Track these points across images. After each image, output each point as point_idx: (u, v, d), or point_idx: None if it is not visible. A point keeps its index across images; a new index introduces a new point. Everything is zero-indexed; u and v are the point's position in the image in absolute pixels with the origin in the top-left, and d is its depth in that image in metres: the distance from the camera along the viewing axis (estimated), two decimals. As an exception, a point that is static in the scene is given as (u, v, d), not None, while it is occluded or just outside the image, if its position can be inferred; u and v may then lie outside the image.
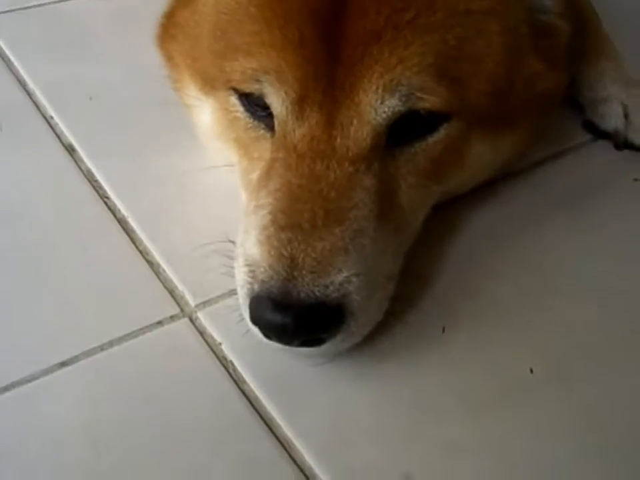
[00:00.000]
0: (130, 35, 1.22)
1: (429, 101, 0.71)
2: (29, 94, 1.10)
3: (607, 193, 1.02)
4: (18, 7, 1.28)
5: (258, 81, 0.72)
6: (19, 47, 1.19)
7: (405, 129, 0.73)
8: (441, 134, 0.75)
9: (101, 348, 0.77)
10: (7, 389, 0.74)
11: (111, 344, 0.77)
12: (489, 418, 0.73)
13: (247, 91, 0.74)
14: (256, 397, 0.73)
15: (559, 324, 0.82)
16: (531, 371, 0.77)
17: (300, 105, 0.71)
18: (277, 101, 0.71)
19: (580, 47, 1.10)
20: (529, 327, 0.82)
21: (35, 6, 1.29)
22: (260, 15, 0.72)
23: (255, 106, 0.76)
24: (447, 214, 0.88)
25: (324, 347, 0.70)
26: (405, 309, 0.79)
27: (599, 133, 1.08)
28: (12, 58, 1.17)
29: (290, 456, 0.69)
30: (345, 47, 0.69)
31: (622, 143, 1.07)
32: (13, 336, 0.79)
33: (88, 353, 0.76)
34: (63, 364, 0.76)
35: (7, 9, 1.28)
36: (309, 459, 0.69)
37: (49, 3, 1.30)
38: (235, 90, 0.76)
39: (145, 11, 1.25)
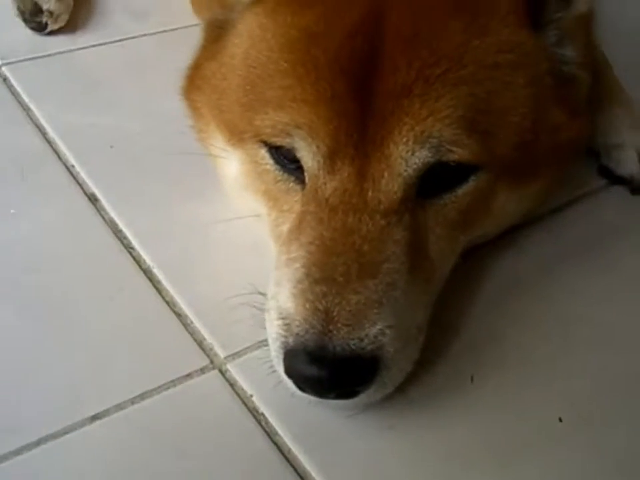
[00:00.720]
0: (145, 81, 1.26)
1: (459, 153, 0.73)
2: (50, 142, 1.12)
3: (624, 238, 1.04)
4: (37, 54, 1.31)
5: (289, 134, 0.74)
6: (38, 94, 1.22)
7: (434, 180, 0.75)
8: (469, 185, 0.77)
9: (132, 401, 0.78)
10: (37, 443, 0.75)
11: (142, 397, 0.78)
12: (518, 467, 0.74)
13: (278, 144, 0.76)
14: (289, 449, 0.75)
15: (584, 371, 0.84)
16: (560, 419, 0.78)
17: (331, 158, 0.73)
18: (308, 155, 0.73)
19: (593, 94, 1.13)
20: (555, 374, 0.83)
21: (53, 54, 1.31)
22: (291, 69, 0.74)
23: (285, 159, 0.78)
24: (471, 261, 0.90)
25: (357, 399, 0.71)
26: (433, 359, 0.81)
27: (614, 178, 1.11)
28: (31, 106, 1.19)
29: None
30: (376, 101, 0.71)
31: (637, 188, 1.09)
32: (42, 389, 0.80)
33: (119, 407, 0.78)
34: (95, 417, 0.77)
35: (26, 57, 1.30)
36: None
37: (67, 51, 1.33)
38: (265, 143, 0.78)
39: (158, 58, 1.31)
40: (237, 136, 0.83)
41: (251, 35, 0.80)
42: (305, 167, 0.75)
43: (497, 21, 0.77)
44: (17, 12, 1.34)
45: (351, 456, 0.74)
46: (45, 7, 1.32)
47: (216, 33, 0.87)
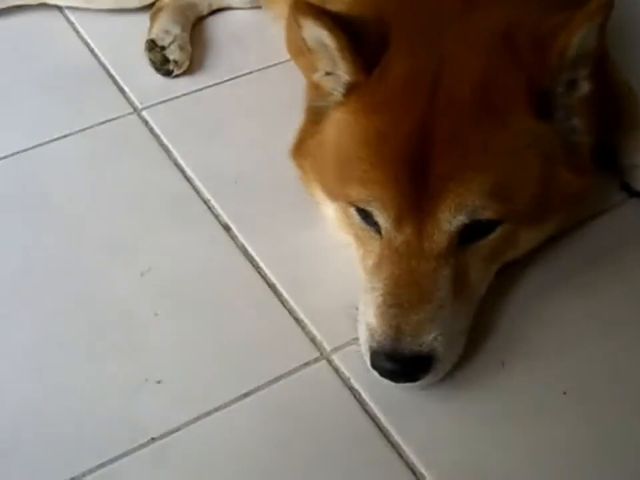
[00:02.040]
0: (256, 120, 1.65)
1: (487, 214, 1.11)
2: (188, 180, 1.53)
3: (638, 244, 1.40)
4: (167, 97, 1.72)
5: (369, 204, 1.14)
6: (174, 135, 1.62)
7: (472, 232, 1.14)
8: (496, 233, 1.15)
9: (270, 383, 1.20)
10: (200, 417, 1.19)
11: (275, 380, 1.20)
12: (531, 428, 1.15)
13: (362, 207, 1.17)
14: (375, 415, 1.16)
15: (590, 357, 1.22)
16: (564, 393, 1.18)
17: (398, 221, 1.12)
18: (382, 220, 1.13)
19: (617, 118, 1.49)
20: (565, 359, 1.21)
21: (180, 96, 1.71)
22: (367, 158, 1.13)
23: (366, 216, 1.18)
24: (503, 275, 1.27)
25: (419, 382, 1.13)
26: (474, 352, 1.21)
27: (633, 193, 1.47)
28: (170, 147, 1.61)
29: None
30: (428, 182, 1.09)
31: (653, 202, 1.45)
32: (204, 370, 1.22)
33: (259, 387, 1.20)
34: (243, 396, 1.20)
35: (159, 100, 1.72)
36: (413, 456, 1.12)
37: (190, 92, 1.72)
38: (352, 204, 1.19)
39: (264, 94, 1.71)
40: (332, 196, 1.23)
41: (339, 126, 1.18)
42: (381, 226, 1.14)
43: (513, 115, 1.11)
44: (149, 62, 1.76)
45: (421, 416, 1.15)
46: (171, 57, 1.73)
47: (315, 117, 1.24)
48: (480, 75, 1.11)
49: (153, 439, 1.15)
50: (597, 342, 1.24)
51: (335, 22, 1.11)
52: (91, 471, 1.12)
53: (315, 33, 1.14)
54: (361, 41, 1.14)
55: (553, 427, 1.14)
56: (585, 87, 1.19)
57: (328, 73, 1.20)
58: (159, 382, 1.21)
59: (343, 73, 1.16)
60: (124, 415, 1.18)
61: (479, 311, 1.23)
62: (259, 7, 1.91)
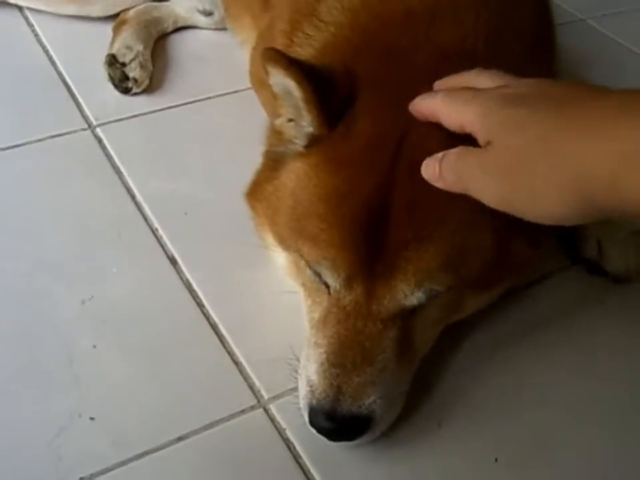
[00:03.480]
0: (214, 147, 1.65)
1: (439, 287, 1.13)
2: (138, 205, 1.53)
3: (579, 310, 1.44)
4: (123, 116, 1.71)
5: (319, 263, 1.13)
6: (127, 157, 1.62)
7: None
8: (445, 297, 1.17)
9: (204, 428, 1.20)
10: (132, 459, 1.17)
11: (208, 427, 1.20)
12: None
13: (312, 265, 1.17)
14: (309, 469, 1.18)
15: (522, 422, 1.24)
16: (496, 460, 1.20)
17: (348, 282, 1.12)
18: (332, 279, 1.13)
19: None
20: (499, 422, 1.24)
21: (137, 115, 1.71)
22: (325, 217, 1.12)
23: (316, 270, 1.19)
24: (446, 334, 1.28)
25: (356, 441, 1.14)
26: (413, 411, 1.23)
27: (575, 260, 1.50)
28: (122, 168, 1.59)
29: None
30: (384, 248, 1.09)
31: (594, 269, 1.48)
32: (136, 413, 1.20)
33: (196, 431, 1.20)
34: (178, 439, 1.20)
35: (115, 117, 1.71)
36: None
37: (148, 112, 1.72)
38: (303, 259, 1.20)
39: (225, 122, 1.71)
40: (283, 244, 1.23)
41: (298, 178, 1.18)
42: (330, 285, 1.15)
43: None
44: (108, 77, 1.75)
45: (353, 473, 1.16)
46: (131, 75, 1.72)
47: (273, 162, 1.24)
48: (445, 144, 1.11)
49: (82, 479, 1.14)
50: (533, 408, 1.27)
51: (304, 74, 1.12)
52: (13, 511, 1.10)
53: (282, 81, 1.14)
54: (328, 93, 1.14)
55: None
56: None
57: (290, 120, 1.20)
58: (92, 418, 1.20)
59: (307, 125, 1.16)
60: (53, 450, 1.16)
61: (420, 368, 1.25)
62: (225, 29, 1.90)
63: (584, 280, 1.48)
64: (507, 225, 1.17)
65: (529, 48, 1.33)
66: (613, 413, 1.27)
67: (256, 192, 1.29)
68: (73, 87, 1.77)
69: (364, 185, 1.12)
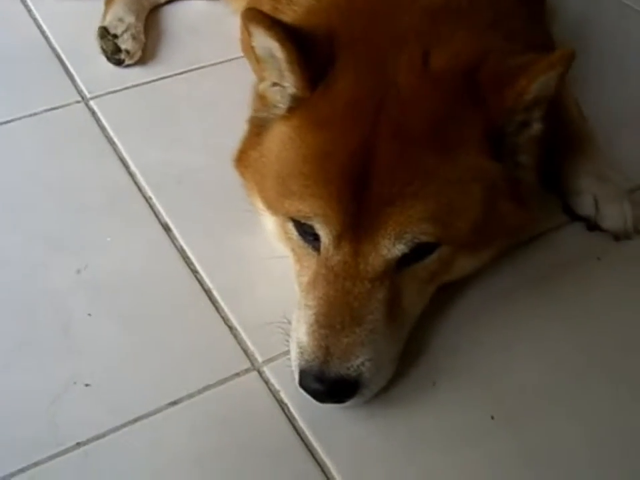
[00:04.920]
0: (207, 115, 1.66)
1: (425, 237, 1.13)
2: (132, 175, 1.54)
3: (576, 267, 1.43)
4: (117, 88, 1.72)
5: (310, 218, 1.15)
6: (120, 128, 1.63)
7: (409, 255, 1.15)
8: (434, 256, 1.17)
9: (199, 391, 1.22)
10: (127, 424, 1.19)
11: (205, 389, 1.22)
12: (461, 451, 1.17)
13: (302, 222, 1.17)
14: (302, 430, 1.18)
15: (516, 380, 1.25)
16: (492, 417, 1.21)
17: (338, 239, 1.13)
18: (324, 234, 1.14)
19: (563, 144, 1.52)
20: (492, 380, 1.24)
21: (130, 86, 1.72)
22: (309, 173, 1.14)
23: (305, 232, 1.19)
24: (439, 295, 1.29)
25: (345, 404, 1.15)
26: (406, 371, 1.24)
27: (575, 216, 1.50)
28: (115, 140, 1.60)
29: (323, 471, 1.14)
30: (369, 204, 1.10)
31: (593, 226, 1.48)
32: (132, 378, 1.22)
33: (191, 395, 1.22)
34: (173, 403, 1.21)
35: (108, 90, 1.71)
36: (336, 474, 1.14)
37: (141, 84, 1.73)
38: (291, 218, 1.20)
39: (217, 90, 1.71)
40: (272, 209, 1.24)
41: (282, 141, 1.19)
42: (322, 241, 1.15)
43: (460, 149, 1.13)
44: (100, 50, 1.75)
45: (348, 433, 1.17)
46: (123, 47, 1.73)
47: (258, 128, 1.25)
48: (432, 106, 1.13)
49: (78, 444, 1.16)
50: (526, 366, 1.28)
51: (286, 34, 1.12)
52: (12, 475, 1.12)
53: (264, 42, 1.15)
54: (310, 54, 1.15)
55: (478, 452, 1.17)
56: (536, 127, 1.22)
57: (274, 84, 1.20)
58: (87, 385, 1.22)
59: (290, 86, 1.17)
60: (50, 417, 1.19)
61: (414, 328, 1.25)
62: (217, -1, 1.90)
63: (582, 237, 1.48)
64: (494, 186, 1.17)
65: (517, 5, 1.32)
66: (607, 368, 1.27)
67: (243, 158, 1.29)
68: (66, 61, 1.78)
69: (347, 144, 1.12)
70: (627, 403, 1.23)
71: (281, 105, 1.21)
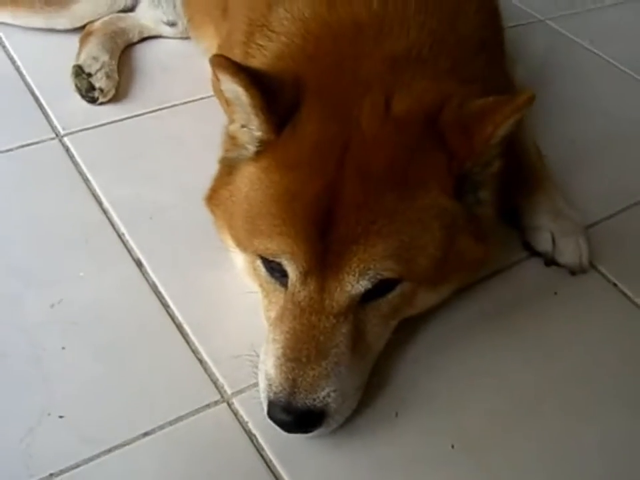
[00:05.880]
0: (178, 153, 1.72)
1: (387, 274, 1.20)
2: (105, 212, 1.59)
3: (534, 301, 1.51)
4: (91, 125, 1.77)
5: (277, 256, 1.20)
6: (94, 164, 1.67)
7: (372, 291, 1.22)
8: (396, 291, 1.23)
9: (170, 423, 1.27)
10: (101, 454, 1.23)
11: (175, 420, 1.27)
12: (422, 477, 1.23)
13: (270, 259, 1.23)
14: (270, 459, 1.23)
15: (476, 410, 1.31)
16: (452, 446, 1.27)
17: (305, 276, 1.19)
18: (291, 271, 1.19)
19: (521, 180, 1.60)
20: (454, 411, 1.31)
21: (104, 124, 1.78)
22: (277, 213, 1.19)
23: (272, 269, 1.25)
24: (402, 328, 1.35)
25: (313, 433, 1.21)
26: (370, 402, 1.29)
27: (534, 252, 1.57)
28: (89, 176, 1.65)
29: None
30: (335, 242, 1.16)
31: (550, 262, 1.56)
32: (104, 409, 1.27)
33: (161, 427, 1.26)
34: (145, 434, 1.26)
35: (82, 127, 1.77)
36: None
37: (114, 121, 1.79)
38: (260, 256, 1.26)
39: (189, 128, 1.77)
40: (241, 246, 1.30)
41: (251, 181, 1.25)
42: (289, 276, 1.21)
43: (422, 190, 1.20)
44: (75, 88, 1.81)
45: (315, 463, 1.22)
46: (97, 85, 1.79)
47: (228, 168, 1.31)
48: (394, 150, 1.19)
49: (51, 475, 1.20)
50: (485, 396, 1.34)
51: (251, 80, 1.18)
52: (-15, 507, 1.16)
53: (231, 87, 1.20)
54: (275, 98, 1.21)
55: (439, 479, 1.23)
56: (496, 164, 1.29)
57: (243, 126, 1.26)
58: (61, 417, 1.26)
59: (256, 129, 1.22)
60: (23, 449, 1.22)
61: (377, 361, 1.31)
62: (189, 38, 1.96)
63: (540, 272, 1.55)
64: (453, 223, 1.24)
65: (475, 52, 1.40)
66: (566, 399, 1.34)
67: (214, 197, 1.35)
68: (40, 98, 1.83)
69: (312, 185, 1.18)
70: (577, 428, 1.30)
71: (249, 146, 1.27)
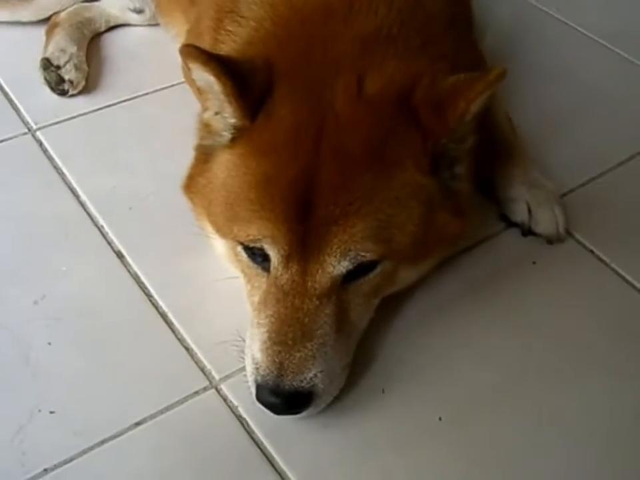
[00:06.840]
0: (153, 142, 1.72)
1: (369, 255, 1.21)
2: (82, 205, 1.60)
3: (513, 271, 1.54)
4: (62, 118, 1.77)
5: (258, 240, 1.22)
6: (68, 157, 1.68)
7: (354, 271, 1.23)
8: (377, 270, 1.25)
9: (161, 412, 1.29)
10: (94, 447, 1.26)
11: (166, 409, 1.29)
12: (411, 451, 1.26)
13: (251, 245, 1.25)
14: (262, 442, 1.26)
15: (462, 382, 1.34)
16: (439, 418, 1.30)
17: (286, 259, 1.20)
18: (273, 255, 1.21)
19: (495, 153, 1.62)
20: (439, 384, 1.33)
21: (75, 116, 1.78)
22: (256, 198, 1.21)
23: (254, 254, 1.27)
24: (384, 304, 1.37)
25: (301, 414, 1.23)
26: (356, 380, 1.32)
27: (510, 223, 1.60)
28: (64, 170, 1.66)
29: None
30: (314, 224, 1.18)
31: (527, 232, 1.58)
32: (92, 402, 1.29)
33: (153, 415, 1.28)
34: (136, 424, 1.28)
35: (54, 120, 1.77)
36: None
37: (86, 113, 1.79)
38: (240, 242, 1.27)
39: (161, 116, 1.77)
40: (221, 232, 1.31)
41: (227, 168, 1.26)
42: (272, 262, 1.22)
43: (398, 168, 1.21)
44: (44, 81, 1.80)
45: (305, 443, 1.25)
46: (66, 77, 1.79)
47: (204, 155, 1.32)
48: (369, 130, 1.21)
49: (46, 470, 1.22)
50: (470, 369, 1.37)
51: (222, 68, 1.19)
52: (-19, 504, 1.18)
53: (203, 76, 1.21)
54: (247, 85, 1.22)
55: (427, 451, 1.26)
56: (470, 140, 1.31)
57: (217, 113, 1.27)
58: (52, 412, 1.28)
59: (230, 117, 1.24)
60: (16, 446, 1.24)
61: (361, 338, 1.34)
62: (157, 25, 1.96)
63: (518, 242, 1.58)
64: (431, 200, 1.26)
65: (445, 28, 1.41)
66: (543, 365, 1.37)
67: (191, 185, 1.36)
68: (10, 93, 1.83)
69: (289, 169, 1.20)
70: (563, 396, 1.33)
71: (224, 133, 1.28)
